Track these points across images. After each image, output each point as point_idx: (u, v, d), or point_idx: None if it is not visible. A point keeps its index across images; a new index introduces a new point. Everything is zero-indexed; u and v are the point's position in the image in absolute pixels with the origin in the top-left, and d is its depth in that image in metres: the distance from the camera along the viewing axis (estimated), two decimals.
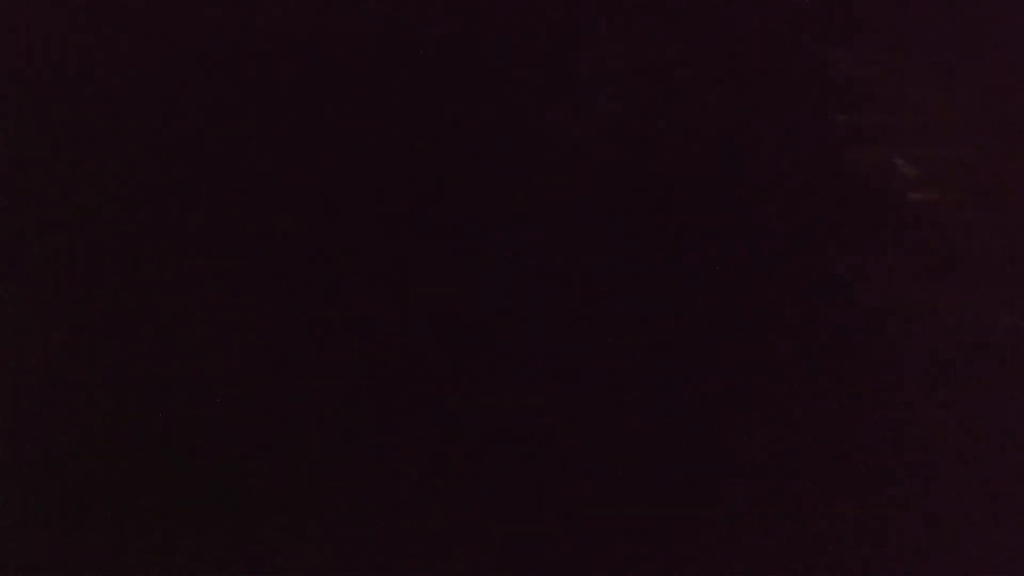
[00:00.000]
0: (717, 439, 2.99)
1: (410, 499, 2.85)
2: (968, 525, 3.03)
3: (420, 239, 3.31)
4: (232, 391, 3.02)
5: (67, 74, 3.65)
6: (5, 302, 3.24)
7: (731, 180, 3.32)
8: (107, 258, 3.31)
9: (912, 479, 3.02)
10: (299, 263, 3.28)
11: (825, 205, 3.40)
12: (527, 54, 3.64)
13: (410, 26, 3.66)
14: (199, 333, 3.13)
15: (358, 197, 3.41)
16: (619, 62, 3.54)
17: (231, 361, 3.07)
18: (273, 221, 3.33)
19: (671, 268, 3.26)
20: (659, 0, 3.59)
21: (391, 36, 3.65)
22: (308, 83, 3.62)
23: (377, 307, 3.21)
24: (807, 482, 2.97)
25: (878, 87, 3.67)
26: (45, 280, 3.28)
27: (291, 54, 3.64)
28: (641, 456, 2.95)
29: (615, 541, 2.86)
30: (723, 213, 3.33)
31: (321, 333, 3.14)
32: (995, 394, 3.30)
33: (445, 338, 3.15)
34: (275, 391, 3.02)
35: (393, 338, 3.15)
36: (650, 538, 2.87)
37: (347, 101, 3.58)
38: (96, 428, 3.00)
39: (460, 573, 2.78)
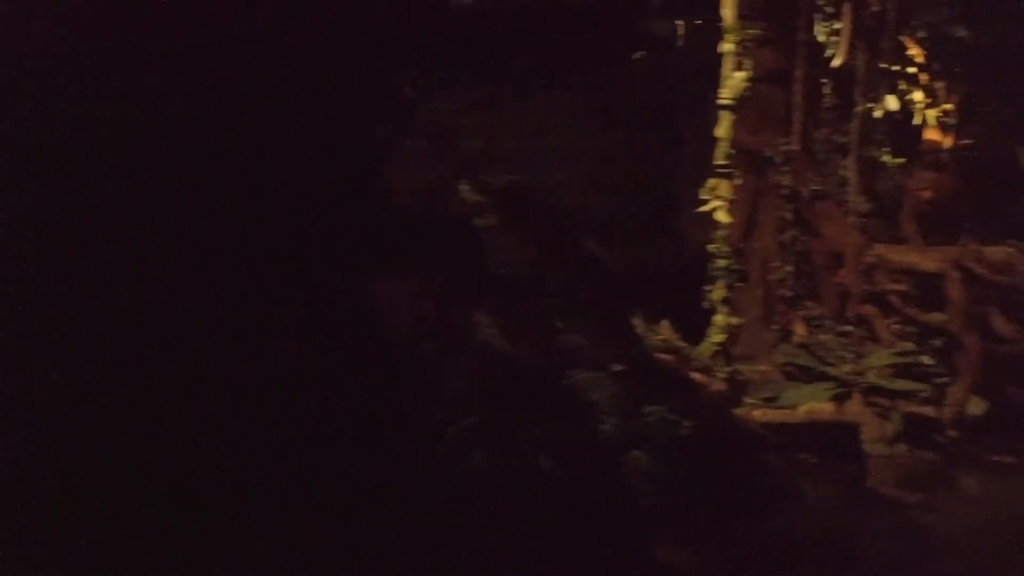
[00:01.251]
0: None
1: None
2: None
3: None
4: None
5: None
6: None
7: (275, 202, 3.48)
8: None
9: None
10: None
11: (370, 227, 3.64)
12: None
13: None
14: None
15: None
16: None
17: None
18: None
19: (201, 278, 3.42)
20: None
21: None
22: None
23: None
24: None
25: (444, 114, 3.96)
26: None
27: None
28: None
29: None
30: (265, 230, 3.46)
31: None
32: (527, 414, 3.83)
33: None
34: None
35: None
36: None
37: None
38: None
39: None
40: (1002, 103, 12.64)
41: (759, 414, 6.14)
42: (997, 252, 8.42)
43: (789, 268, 9.00)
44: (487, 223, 4.01)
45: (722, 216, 8.73)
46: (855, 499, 5.84)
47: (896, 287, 8.40)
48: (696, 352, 7.94)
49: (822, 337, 8.57)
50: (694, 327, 8.50)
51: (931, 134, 11.87)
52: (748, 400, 7.12)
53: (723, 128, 8.68)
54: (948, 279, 8.15)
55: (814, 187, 8.94)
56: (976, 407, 8.38)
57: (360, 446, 3.41)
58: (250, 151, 3.34)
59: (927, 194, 8.56)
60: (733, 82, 8.52)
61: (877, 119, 11.21)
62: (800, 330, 8.93)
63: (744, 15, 9.92)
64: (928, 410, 7.97)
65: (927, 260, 8.31)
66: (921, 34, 10.67)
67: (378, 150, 3.68)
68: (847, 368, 8.20)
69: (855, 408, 8.19)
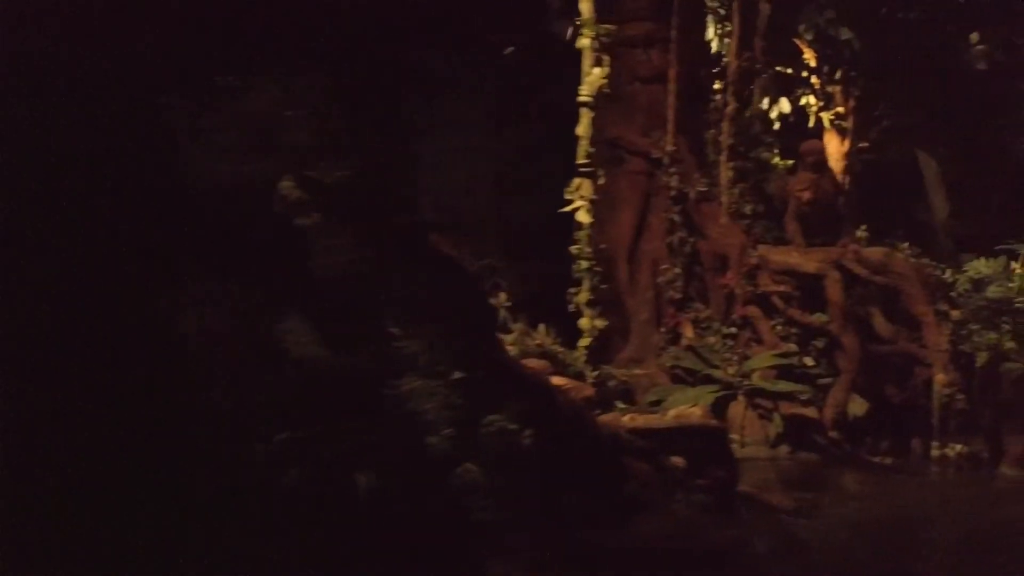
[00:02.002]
0: None
1: None
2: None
3: None
4: None
5: None
6: None
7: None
8: None
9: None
10: None
11: (167, 228, 3.36)
12: None
13: None
14: None
15: None
16: None
17: None
18: None
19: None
20: None
21: None
22: None
23: None
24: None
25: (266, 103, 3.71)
26: None
27: None
28: None
29: None
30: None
31: None
32: (345, 427, 3.61)
33: None
34: None
35: None
36: None
37: None
38: None
39: None
40: (895, 107, 13.00)
41: (627, 419, 5.99)
42: (875, 252, 8.46)
43: (677, 270, 9.08)
44: (311, 222, 3.79)
45: (583, 217, 8.54)
46: (724, 503, 5.78)
47: (778, 288, 8.44)
48: (572, 357, 7.81)
49: (710, 339, 8.58)
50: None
51: (827, 137, 12.15)
52: (619, 405, 7.02)
53: (583, 126, 8.24)
54: (828, 279, 8.19)
55: (700, 188, 9.04)
56: (858, 408, 8.47)
57: (153, 464, 3.17)
58: (25, 143, 3.06)
59: (807, 195, 8.58)
60: (592, 79, 8.26)
61: (770, 120, 11.41)
62: (688, 332, 8.90)
63: (632, 15, 9.97)
64: (809, 411, 8.03)
65: (808, 261, 8.27)
66: (809, 36, 10.86)
67: (180, 143, 3.43)
68: (732, 371, 8.22)
69: (738, 410, 8.21)
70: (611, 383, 7.80)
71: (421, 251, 4.21)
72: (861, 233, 9.22)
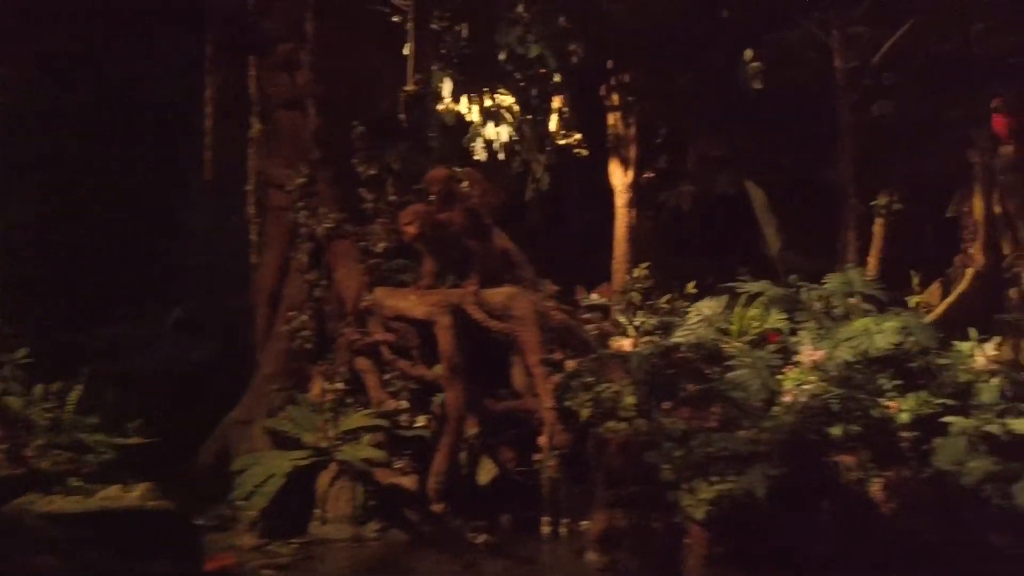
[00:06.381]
0: None
1: None
2: None
3: None
4: None
5: None
6: None
7: None
8: None
9: None
10: None
11: None
12: None
13: None
14: None
15: None
16: None
17: None
18: None
19: None
20: None
21: None
22: None
23: None
24: None
25: None
26: None
27: None
28: None
29: None
30: None
31: None
32: None
33: None
34: None
35: None
36: None
37: None
38: None
39: None
40: (682, 133, 12.08)
41: (45, 503, 4.95)
42: (499, 294, 7.39)
43: (304, 317, 7.94)
44: None
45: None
46: None
47: (387, 337, 7.47)
48: None
49: (329, 396, 7.56)
50: None
51: (611, 167, 11.27)
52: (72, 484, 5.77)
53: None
54: (437, 326, 7.13)
55: (328, 225, 7.66)
56: (485, 474, 7.35)
57: None
58: None
59: (411, 229, 7.51)
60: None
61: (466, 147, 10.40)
62: (317, 388, 7.88)
63: (274, 35, 9.04)
64: (407, 481, 6.92)
65: (419, 305, 7.10)
66: (503, 55, 9.99)
67: None
68: (328, 434, 7.19)
69: (324, 481, 7.16)
70: None
71: None
72: (639, 272, 8.34)
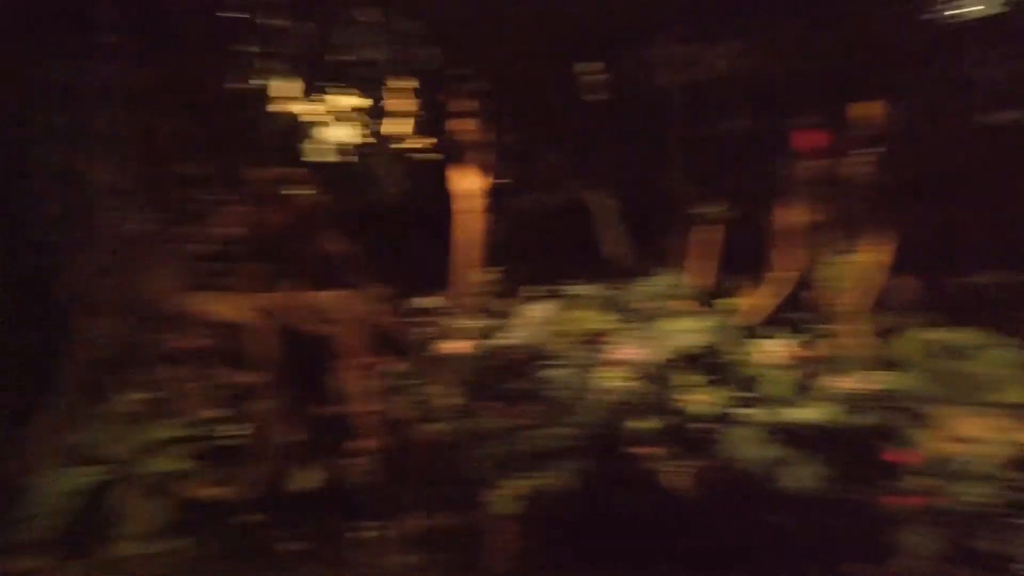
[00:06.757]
0: None
1: None
2: None
3: None
4: None
5: None
6: None
7: None
8: None
9: None
10: None
11: None
12: None
13: None
14: None
15: None
16: None
17: None
18: None
19: None
20: None
21: None
22: None
23: None
24: None
25: None
26: None
27: None
28: None
29: None
30: None
31: None
32: None
33: None
34: None
35: None
36: None
37: None
38: None
39: None
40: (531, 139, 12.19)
41: None
42: (322, 298, 7.30)
43: (110, 322, 7.61)
44: None
45: None
46: None
47: (201, 343, 7.18)
48: None
49: (134, 407, 7.21)
50: None
51: (470, 172, 11.18)
52: None
53: None
54: (256, 330, 6.97)
55: (131, 225, 7.25)
56: (308, 480, 7.18)
57: None
58: None
59: (234, 230, 7.31)
60: None
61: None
62: (122, 398, 7.48)
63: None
64: (220, 491, 6.69)
65: (232, 309, 6.82)
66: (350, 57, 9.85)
67: None
68: (135, 445, 6.86)
69: (123, 495, 6.86)
70: None
71: None
72: (477, 276, 8.21)
